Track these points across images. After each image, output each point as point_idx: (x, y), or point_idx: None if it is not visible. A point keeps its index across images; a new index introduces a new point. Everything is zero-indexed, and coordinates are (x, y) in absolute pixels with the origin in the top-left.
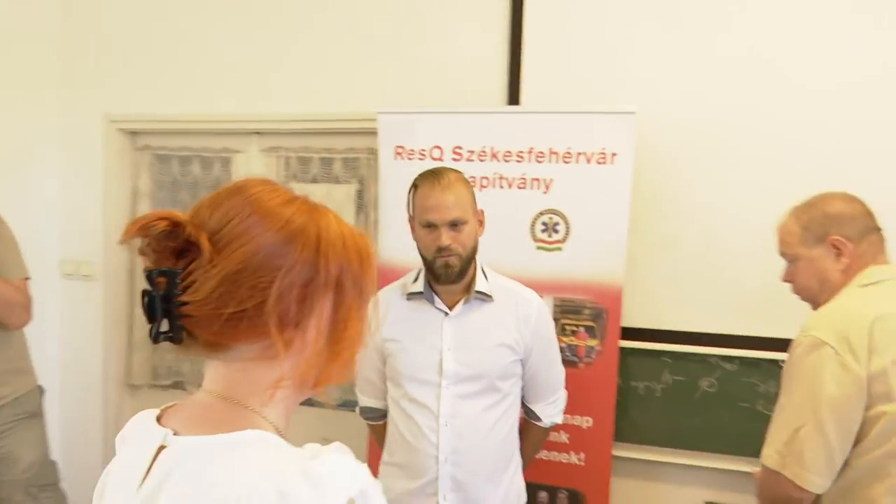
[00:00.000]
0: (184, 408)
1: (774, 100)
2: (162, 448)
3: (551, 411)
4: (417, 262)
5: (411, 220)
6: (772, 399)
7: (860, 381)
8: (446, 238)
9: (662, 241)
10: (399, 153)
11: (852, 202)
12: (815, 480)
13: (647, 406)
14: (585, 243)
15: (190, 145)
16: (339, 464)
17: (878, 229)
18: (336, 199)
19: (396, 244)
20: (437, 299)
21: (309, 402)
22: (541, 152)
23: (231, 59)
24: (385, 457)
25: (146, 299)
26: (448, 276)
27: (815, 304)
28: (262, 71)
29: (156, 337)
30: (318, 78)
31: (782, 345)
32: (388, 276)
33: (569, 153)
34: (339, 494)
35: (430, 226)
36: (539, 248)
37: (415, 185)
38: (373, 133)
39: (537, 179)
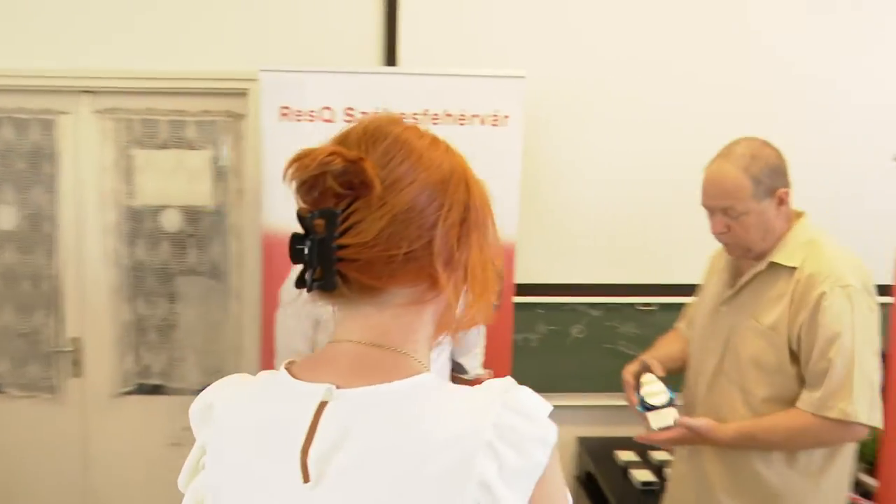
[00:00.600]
0: (327, 361)
1: (660, 63)
2: (323, 404)
3: (474, 363)
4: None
5: None
6: (631, 339)
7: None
8: None
9: (548, 200)
10: (285, 114)
11: (776, 149)
12: (882, 417)
13: (527, 355)
14: None
15: (0, 105)
16: (531, 395)
17: None
18: (189, 166)
19: (284, 211)
20: None
21: (167, 391)
22: (435, 114)
23: (53, 5)
24: None
25: (300, 245)
26: None
27: (748, 255)
28: (96, 20)
29: (311, 284)
30: (167, 31)
31: (638, 290)
32: (276, 246)
33: (463, 115)
34: (549, 423)
35: None
36: None
37: None
38: (234, 94)
39: None
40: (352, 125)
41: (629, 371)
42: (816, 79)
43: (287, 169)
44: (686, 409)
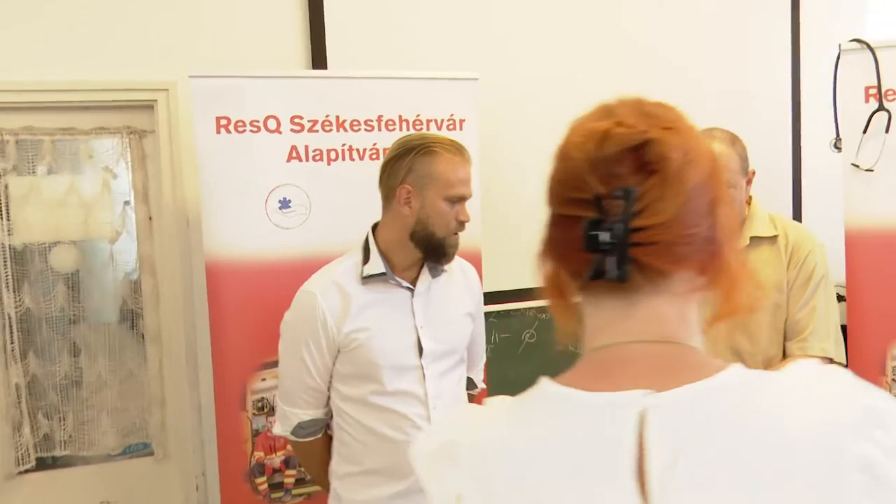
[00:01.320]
0: (620, 365)
1: (612, 62)
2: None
3: (481, 377)
4: (256, 252)
5: (409, 191)
6: (579, 338)
7: None
8: (468, 213)
9: (502, 205)
10: (224, 125)
11: None
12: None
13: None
14: None
15: None
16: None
17: None
18: (83, 194)
19: (227, 231)
20: (399, 278)
21: (76, 461)
22: (390, 119)
23: None
24: (345, 468)
25: (595, 231)
26: (454, 253)
27: None
28: None
29: (611, 273)
30: (52, 37)
31: None
32: (223, 275)
33: (419, 120)
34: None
35: (458, 200)
36: None
37: (423, 153)
38: (137, 107)
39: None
40: (608, 104)
41: None
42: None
43: (585, 144)
44: None
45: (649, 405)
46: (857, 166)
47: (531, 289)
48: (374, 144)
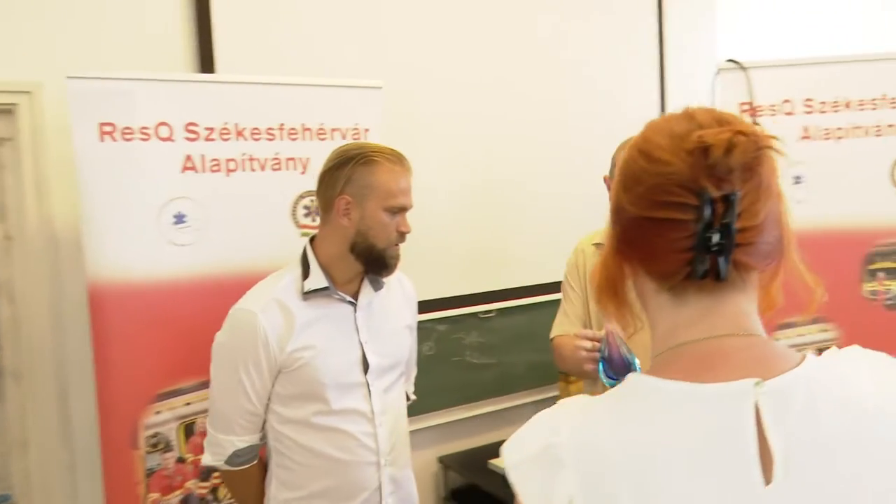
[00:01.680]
0: (719, 358)
1: (518, 73)
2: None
3: (412, 389)
4: (148, 272)
5: (348, 202)
6: (476, 348)
7: None
8: (409, 224)
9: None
10: (108, 132)
11: None
12: None
13: None
14: None
15: None
16: None
17: None
18: None
19: (114, 250)
20: (341, 292)
21: None
22: (293, 129)
23: None
24: (286, 494)
25: (709, 231)
26: (395, 265)
27: None
28: None
29: (721, 272)
30: None
31: (480, 299)
32: (105, 294)
33: (323, 129)
34: None
35: (399, 210)
36: (304, 234)
37: (362, 162)
38: None
39: (293, 159)
40: (690, 111)
41: (585, 336)
42: (613, 89)
43: (693, 149)
44: None
45: (760, 393)
46: None
47: (433, 300)
48: (276, 154)
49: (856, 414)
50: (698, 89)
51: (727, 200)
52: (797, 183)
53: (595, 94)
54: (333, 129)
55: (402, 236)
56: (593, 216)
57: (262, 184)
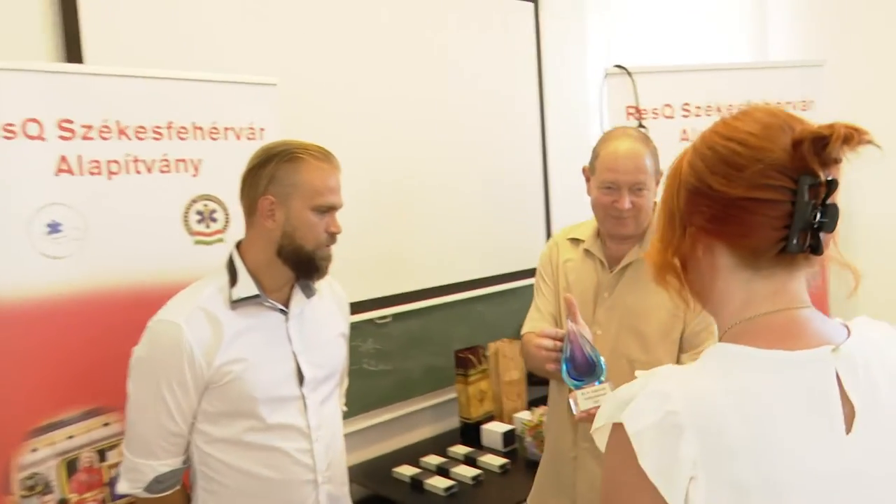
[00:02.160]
0: (798, 328)
1: (415, 75)
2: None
3: (343, 400)
4: (17, 289)
5: (272, 202)
6: (372, 355)
7: None
8: (339, 224)
9: None
10: None
11: None
12: None
13: None
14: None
15: None
16: None
17: None
18: None
19: (17, 266)
20: (272, 300)
21: None
22: (183, 127)
23: None
24: None
25: (814, 210)
26: (326, 270)
27: (632, 236)
28: None
29: (820, 247)
30: None
31: (375, 305)
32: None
33: (215, 128)
34: None
35: (327, 210)
36: (198, 242)
37: (287, 160)
38: None
39: (183, 160)
40: (762, 109)
41: (546, 334)
42: (498, 93)
43: (836, 136)
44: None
45: (837, 358)
46: None
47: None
48: (165, 155)
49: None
50: (572, 91)
51: (830, 184)
52: None
53: (481, 98)
54: (227, 129)
55: (332, 237)
56: (486, 215)
57: (149, 187)
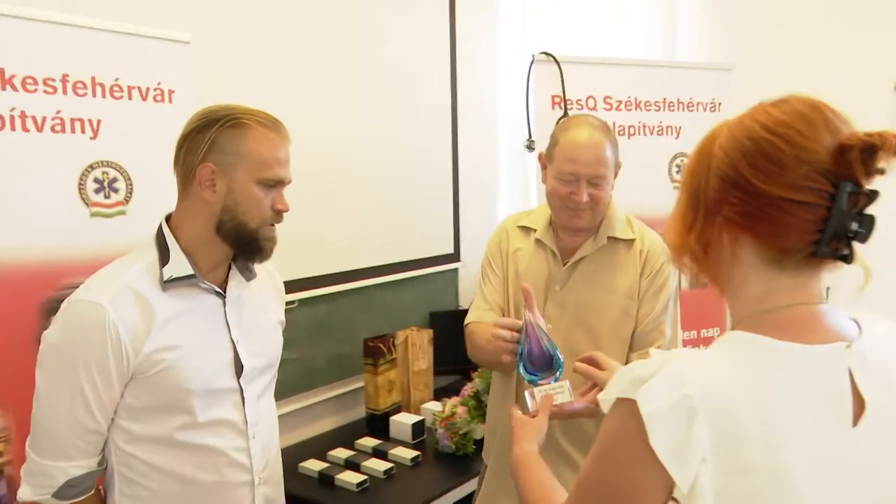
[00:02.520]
0: (815, 323)
1: (332, 40)
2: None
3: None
4: None
5: (213, 171)
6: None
7: None
8: (287, 201)
9: None
10: None
11: None
12: None
13: None
14: (153, 203)
15: None
16: None
17: None
18: None
19: None
20: (206, 282)
21: None
22: (80, 82)
23: None
24: None
25: (851, 219)
26: (271, 253)
27: (588, 228)
28: None
29: (851, 255)
30: None
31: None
32: None
33: (118, 86)
34: None
35: (274, 184)
36: (95, 214)
37: (230, 125)
38: None
39: (80, 120)
40: (805, 101)
41: (504, 325)
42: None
43: (888, 147)
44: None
45: (850, 354)
46: None
47: None
48: (58, 112)
49: None
50: (484, 80)
51: (871, 195)
52: None
53: (394, 82)
54: (131, 87)
55: (278, 215)
56: (395, 201)
57: (39, 149)
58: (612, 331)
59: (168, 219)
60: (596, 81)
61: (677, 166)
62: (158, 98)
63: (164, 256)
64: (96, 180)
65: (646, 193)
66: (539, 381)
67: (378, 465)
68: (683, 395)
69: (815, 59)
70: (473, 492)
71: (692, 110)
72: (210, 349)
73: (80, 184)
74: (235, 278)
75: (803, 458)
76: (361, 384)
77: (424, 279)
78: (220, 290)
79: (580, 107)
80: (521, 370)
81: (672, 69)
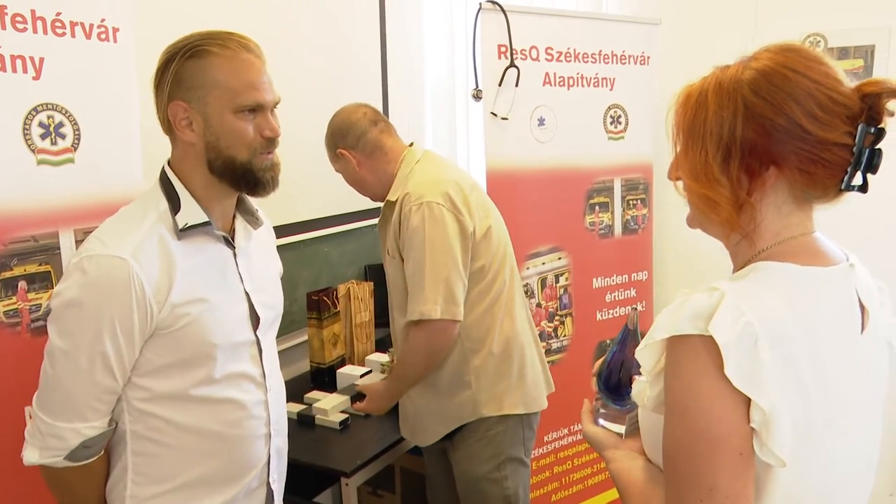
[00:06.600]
0: (822, 248)
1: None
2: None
3: None
4: None
5: (185, 109)
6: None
7: (468, 230)
8: (276, 124)
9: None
10: None
11: (342, 112)
12: (461, 311)
13: None
14: (102, 152)
15: None
16: None
17: (378, 122)
18: None
19: None
20: (219, 230)
21: None
22: (19, 15)
23: None
24: (150, 490)
25: (872, 154)
26: (275, 182)
27: (374, 198)
28: None
29: (866, 186)
30: None
31: None
32: None
33: (59, 21)
34: None
35: (254, 108)
36: (42, 162)
37: (189, 56)
38: None
39: (20, 57)
40: (806, 47)
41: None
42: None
43: (869, 92)
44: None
45: (853, 272)
46: (495, 115)
47: None
48: None
49: (878, 287)
50: (413, 32)
51: (880, 132)
52: (541, 125)
53: (323, 33)
54: (73, 23)
55: (269, 142)
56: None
57: None
58: (398, 288)
59: (170, 164)
60: (539, 32)
61: (611, 117)
62: (102, 36)
63: (174, 204)
64: (41, 125)
65: (583, 143)
66: (621, 409)
67: (335, 417)
68: (746, 323)
69: (739, 14)
70: None
71: (625, 63)
72: (229, 301)
73: (23, 128)
74: (242, 227)
75: (840, 372)
76: (304, 338)
77: (360, 233)
78: (231, 239)
79: (524, 57)
80: (602, 387)
81: (606, 21)
